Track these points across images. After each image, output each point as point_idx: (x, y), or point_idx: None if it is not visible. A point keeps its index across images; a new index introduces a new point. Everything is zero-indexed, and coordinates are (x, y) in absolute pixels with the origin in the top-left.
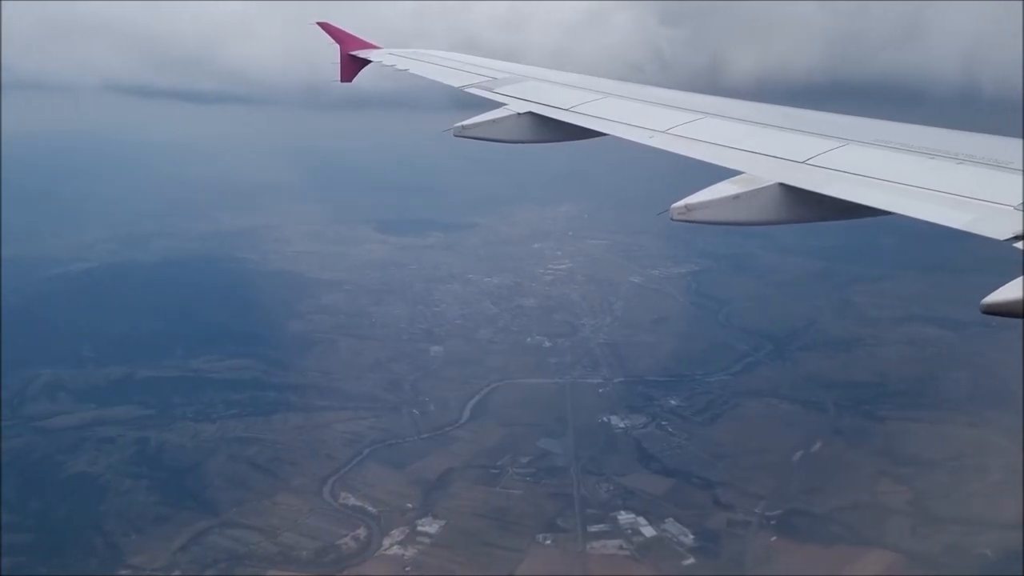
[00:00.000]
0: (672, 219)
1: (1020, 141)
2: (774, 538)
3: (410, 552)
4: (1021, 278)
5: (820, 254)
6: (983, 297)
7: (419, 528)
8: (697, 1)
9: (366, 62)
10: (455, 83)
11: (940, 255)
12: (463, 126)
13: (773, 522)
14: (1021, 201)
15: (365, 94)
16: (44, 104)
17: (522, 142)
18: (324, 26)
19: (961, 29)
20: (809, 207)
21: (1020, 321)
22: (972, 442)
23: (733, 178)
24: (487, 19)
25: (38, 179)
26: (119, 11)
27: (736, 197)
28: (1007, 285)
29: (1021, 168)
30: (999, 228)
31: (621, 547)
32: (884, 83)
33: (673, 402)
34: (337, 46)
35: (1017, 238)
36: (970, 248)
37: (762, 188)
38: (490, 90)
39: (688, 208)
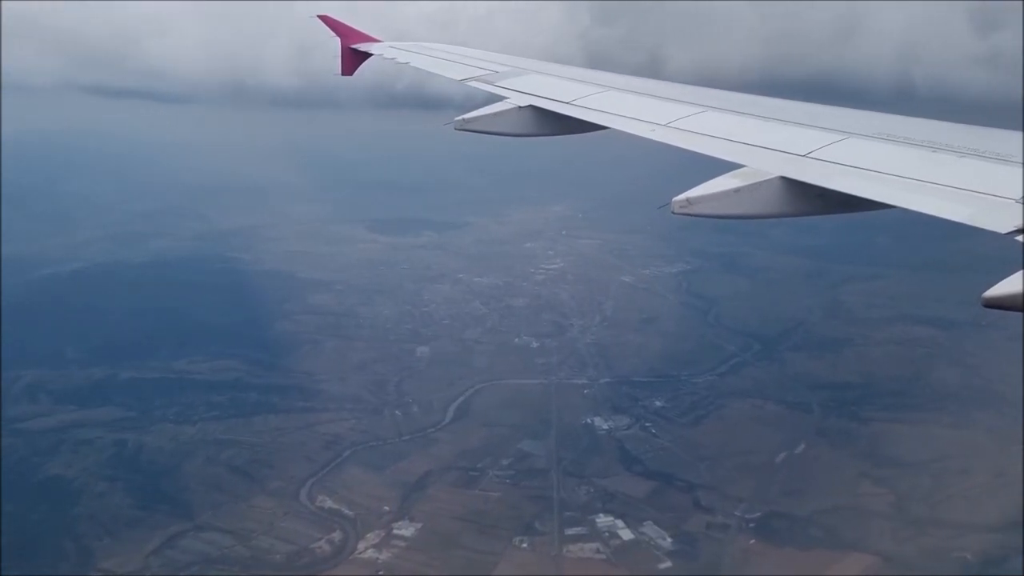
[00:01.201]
0: (673, 212)
1: (1022, 135)
2: (752, 541)
3: (384, 555)
4: (1022, 271)
5: (813, 253)
6: (976, 294)
7: (395, 531)
8: (632, 1)
9: (367, 55)
10: (456, 76)
11: (933, 253)
12: (464, 120)
13: (752, 525)
14: (1023, 195)
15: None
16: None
17: (523, 135)
18: (324, 19)
19: (895, 29)
20: (810, 201)
21: (1010, 319)
22: (956, 444)
23: (734, 171)
24: (416, 18)
25: (33, 178)
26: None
27: (737, 190)
28: (1009, 278)
29: (1023, 162)
30: (1000, 222)
31: (598, 550)
32: (822, 80)
33: (658, 403)
34: (338, 39)
35: (1018, 231)
36: (964, 246)
37: (763, 181)
38: (491, 83)
39: (689, 201)
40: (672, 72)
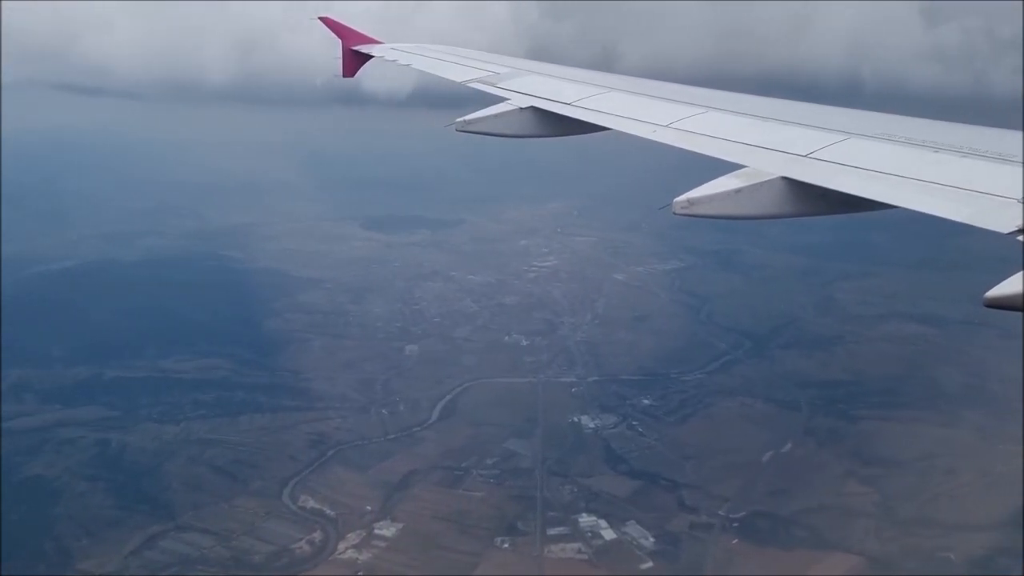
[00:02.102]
0: (675, 213)
1: (1023, 135)
2: (735, 541)
3: (365, 556)
4: (1023, 271)
5: (808, 250)
6: (970, 293)
7: (376, 531)
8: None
9: (368, 57)
10: (457, 78)
11: (928, 251)
12: (465, 121)
13: (736, 525)
14: (1023, 195)
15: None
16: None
17: (524, 137)
18: (326, 20)
19: (844, 25)
20: (812, 201)
21: (1003, 318)
22: (944, 442)
23: (735, 172)
24: (361, 16)
25: (28, 176)
26: None
27: (738, 191)
28: (1010, 279)
29: (1023, 162)
30: (1002, 221)
31: (579, 550)
32: (775, 76)
33: (646, 401)
34: (340, 41)
35: (1020, 231)
36: (959, 244)
37: (765, 182)
38: (492, 85)
39: (690, 202)
40: (624, 69)
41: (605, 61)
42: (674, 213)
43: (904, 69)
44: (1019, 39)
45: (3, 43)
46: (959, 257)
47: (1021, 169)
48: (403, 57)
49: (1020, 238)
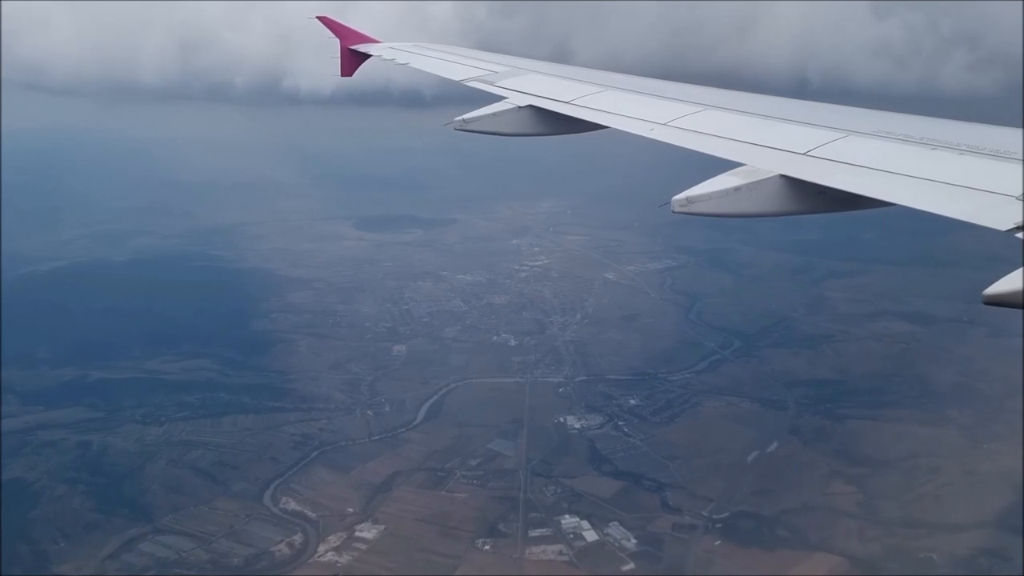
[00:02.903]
0: (673, 211)
1: (1021, 132)
2: (718, 542)
3: (344, 558)
4: (1022, 268)
5: (800, 248)
6: (960, 290)
7: (357, 534)
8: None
9: (366, 56)
10: (455, 77)
11: (919, 249)
12: (464, 120)
13: (719, 525)
14: (1022, 192)
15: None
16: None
17: (523, 135)
18: (324, 20)
19: (792, 24)
20: (810, 199)
21: (992, 316)
22: (929, 441)
23: (734, 170)
24: (295, 15)
25: (20, 176)
26: None
27: (737, 189)
28: (1011, 275)
29: (1022, 159)
30: (1000, 219)
31: (561, 552)
32: (725, 72)
33: (632, 401)
34: (337, 40)
35: (1018, 228)
36: (949, 242)
37: (763, 180)
38: (491, 83)
39: (689, 200)
40: (576, 64)
41: (558, 57)
42: (673, 211)
43: (850, 65)
44: (962, 37)
45: None
46: (949, 255)
47: (1019, 166)
48: (401, 56)
49: (1019, 235)
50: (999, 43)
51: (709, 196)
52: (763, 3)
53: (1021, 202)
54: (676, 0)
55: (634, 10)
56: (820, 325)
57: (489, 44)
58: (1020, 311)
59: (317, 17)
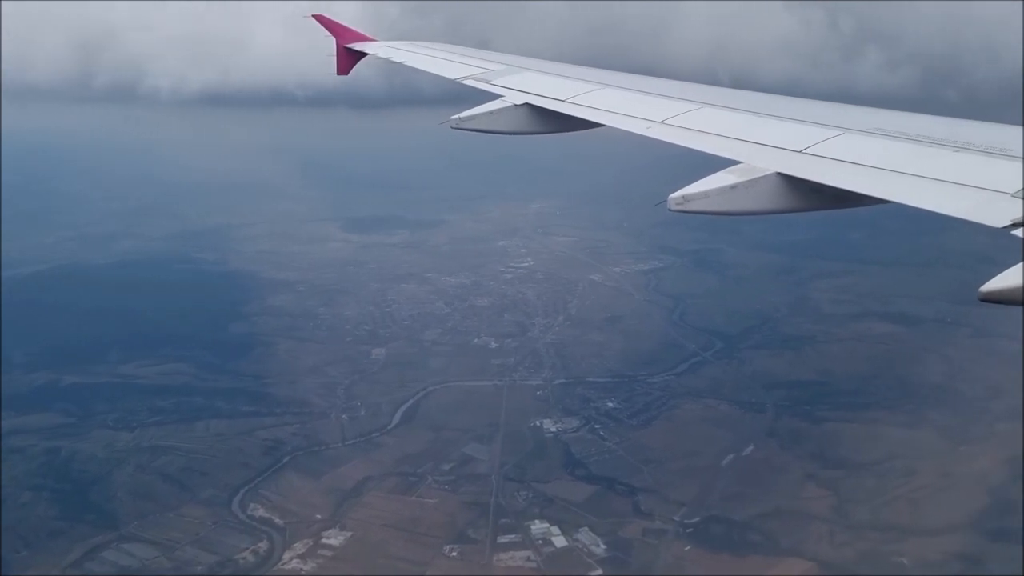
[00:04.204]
0: (670, 209)
1: (1018, 128)
2: (688, 547)
3: (309, 566)
4: (1021, 264)
5: (786, 249)
6: (945, 290)
7: (323, 540)
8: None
9: (362, 55)
10: (451, 75)
11: (905, 249)
12: (460, 118)
13: (690, 530)
14: (1018, 188)
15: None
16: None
17: (519, 134)
18: (319, 18)
19: (705, 21)
20: (807, 196)
21: (976, 317)
22: (905, 443)
23: (730, 168)
24: (189, 17)
25: (12, 177)
26: None
27: (733, 187)
28: (1009, 271)
29: (1018, 155)
30: (996, 215)
31: (528, 558)
32: (644, 71)
33: (610, 404)
34: (333, 39)
35: (1015, 225)
36: (936, 242)
37: (759, 178)
38: (487, 82)
39: (685, 198)
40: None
41: None
42: (669, 209)
43: (761, 64)
44: (875, 36)
45: None
46: (937, 255)
47: (1014, 163)
48: (396, 55)
49: (1015, 232)
50: (914, 43)
51: (705, 194)
52: (678, 3)
53: (1017, 199)
54: (594, 0)
55: (551, 10)
56: (803, 326)
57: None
58: (1014, 311)
59: (312, 16)
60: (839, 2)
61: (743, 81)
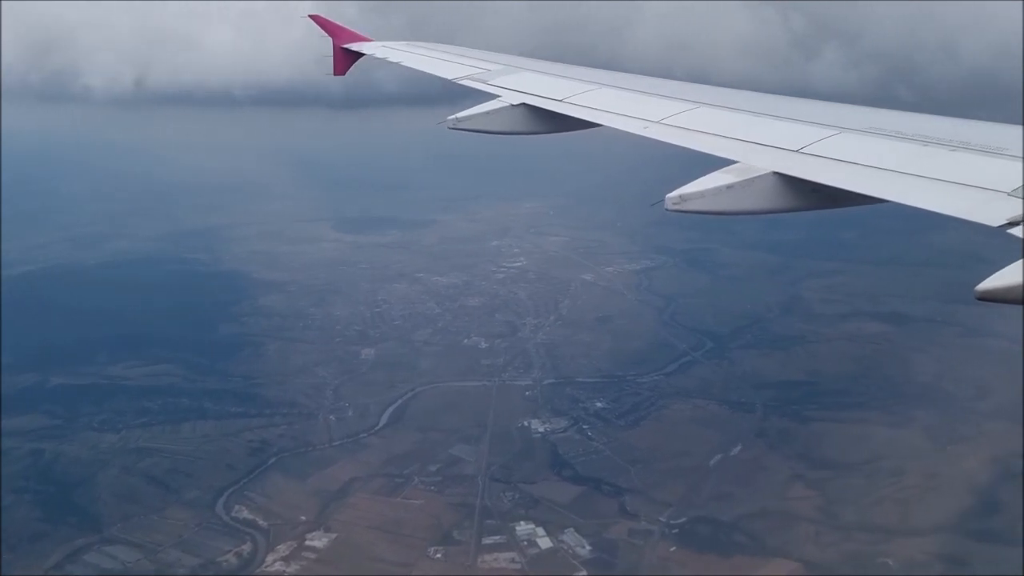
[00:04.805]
0: (667, 209)
1: (1014, 128)
2: (673, 548)
3: (292, 568)
4: (1020, 262)
5: (779, 248)
6: (935, 290)
7: (307, 543)
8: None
9: (359, 55)
10: (448, 75)
11: (898, 248)
12: (457, 118)
13: (676, 531)
14: (1014, 187)
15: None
16: None
17: (516, 134)
18: (316, 19)
19: (661, 25)
20: (803, 196)
21: (966, 316)
22: (893, 443)
23: (727, 167)
24: (136, 18)
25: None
26: None
27: (730, 186)
28: (1007, 269)
29: (1015, 155)
30: (993, 214)
31: (513, 560)
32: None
33: (599, 404)
34: (330, 39)
35: (1011, 224)
36: (929, 241)
37: (756, 177)
38: (484, 82)
39: (683, 198)
40: None
41: None
42: (666, 209)
43: (720, 63)
44: (833, 35)
45: None
46: (929, 254)
47: (1012, 162)
48: (393, 55)
49: (1012, 231)
50: (871, 42)
51: (702, 194)
52: (638, 3)
53: (1014, 197)
54: (555, 0)
55: (512, 10)
56: (794, 326)
57: None
58: (1006, 310)
59: (310, 16)
60: (797, 2)
61: (699, 80)
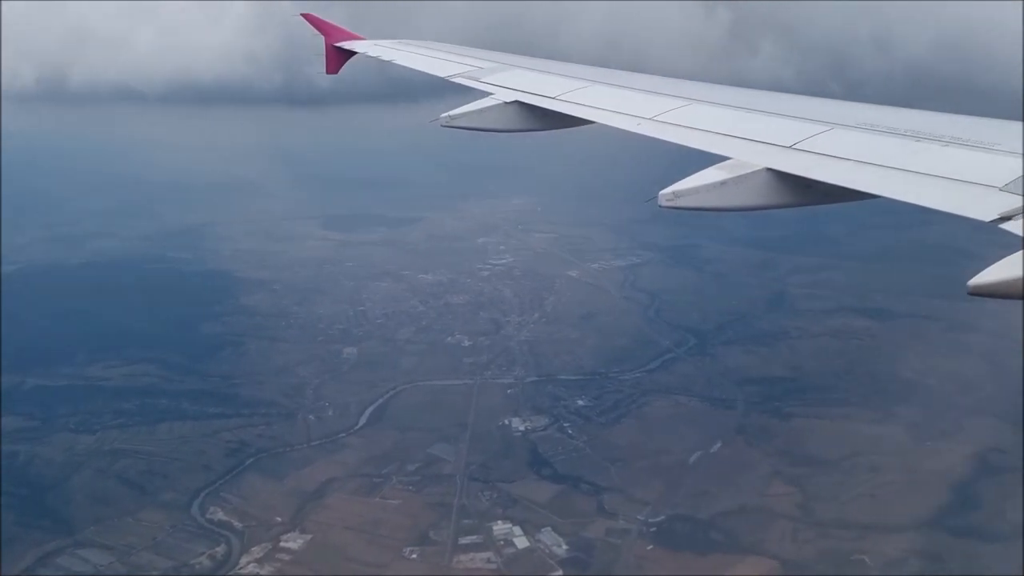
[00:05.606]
0: (660, 206)
1: (1005, 123)
2: (650, 547)
3: (266, 570)
4: (1014, 256)
5: (765, 244)
6: (921, 285)
7: (282, 544)
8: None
9: (352, 53)
10: (441, 73)
11: (884, 244)
12: (450, 116)
13: (653, 529)
14: (1006, 182)
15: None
16: None
17: (509, 131)
18: (308, 17)
19: (597, 22)
20: (796, 192)
21: (951, 312)
22: (872, 440)
23: (720, 164)
24: (90, 17)
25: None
26: None
27: (723, 183)
28: (1002, 262)
29: (1006, 150)
30: (984, 210)
31: (489, 559)
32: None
33: (580, 402)
34: (322, 37)
35: (1002, 219)
36: (915, 237)
37: (749, 173)
38: (477, 79)
39: (676, 195)
40: None
41: None
42: (660, 205)
43: (654, 59)
44: (770, 30)
45: None
46: (916, 250)
47: (1003, 157)
48: (386, 53)
49: (1004, 226)
50: (806, 38)
51: (696, 190)
52: (575, 2)
53: (1005, 193)
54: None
55: (451, 7)
56: (778, 322)
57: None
58: (992, 305)
59: (302, 15)
60: (732, 1)
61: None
